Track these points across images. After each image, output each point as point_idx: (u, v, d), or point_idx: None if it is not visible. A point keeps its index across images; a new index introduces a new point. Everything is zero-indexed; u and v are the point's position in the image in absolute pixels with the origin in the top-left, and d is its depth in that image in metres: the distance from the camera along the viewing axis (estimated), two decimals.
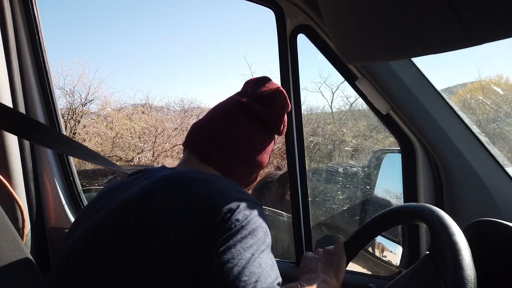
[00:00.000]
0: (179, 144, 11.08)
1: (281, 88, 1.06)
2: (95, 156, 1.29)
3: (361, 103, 10.83)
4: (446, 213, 0.79)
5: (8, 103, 1.21)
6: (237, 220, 0.71)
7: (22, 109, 1.25)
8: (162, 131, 11.20)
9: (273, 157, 9.44)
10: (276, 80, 1.26)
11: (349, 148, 8.15)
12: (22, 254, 1.02)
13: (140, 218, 0.74)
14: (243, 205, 0.75)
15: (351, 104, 10.71)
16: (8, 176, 1.22)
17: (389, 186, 1.62)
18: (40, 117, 1.33)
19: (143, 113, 12.10)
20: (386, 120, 1.28)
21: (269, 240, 0.75)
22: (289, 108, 1.08)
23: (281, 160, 9.28)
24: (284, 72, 1.32)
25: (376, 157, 1.71)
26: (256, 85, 1.05)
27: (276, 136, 1.10)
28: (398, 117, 1.23)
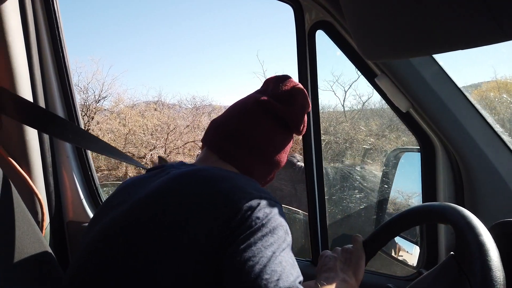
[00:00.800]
0: (191, 142, 11.15)
1: (302, 88, 1.04)
2: (112, 151, 1.30)
3: (373, 102, 10.74)
4: None
5: (29, 97, 1.23)
6: (258, 218, 0.71)
7: (42, 103, 1.27)
8: (174, 128, 11.29)
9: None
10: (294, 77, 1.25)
11: (367, 147, 8.09)
12: (42, 247, 1.03)
13: (160, 214, 0.74)
14: (263, 203, 0.74)
15: (364, 103, 10.64)
16: (28, 170, 1.23)
17: (406, 185, 1.60)
18: (60, 111, 1.34)
19: (155, 110, 12.20)
20: (405, 118, 1.26)
21: (289, 238, 0.74)
22: (309, 108, 1.06)
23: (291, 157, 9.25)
24: (302, 70, 1.31)
25: (394, 155, 1.69)
26: (277, 83, 1.03)
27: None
28: (419, 115, 1.21)
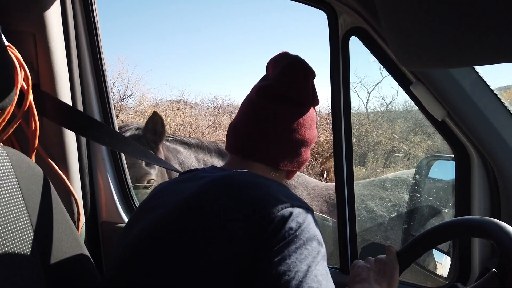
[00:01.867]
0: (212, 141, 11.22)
1: (299, 59, 1.00)
2: (146, 154, 1.33)
3: (397, 104, 10.56)
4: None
5: (68, 101, 1.27)
6: (291, 228, 0.70)
7: (80, 107, 1.31)
8: (196, 128, 11.40)
9: None
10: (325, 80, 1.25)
11: (398, 151, 7.95)
12: (78, 247, 1.06)
13: (192, 225, 0.74)
14: (296, 211, 0.73)
15: (387, 105, 10.46)
16: (66, 171, 1.27)
17: (439, 194, 1.57)
18: (96, 115, 1.38)
19: (178, 109, 12.35)
20: (440, 126, 1.23)
21: (323, 249, 0.73)
22: (313, 75, 1.01)
23: (313, 160, 9.20)
24: (335, 75, 1.30)
25: (426, 163, 1.66)
26: (274, 64, 1.01)
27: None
28: (454, 124, 1.19)
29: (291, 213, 0.72)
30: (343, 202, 1.38)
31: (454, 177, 1.30)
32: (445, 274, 1.40)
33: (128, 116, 11.55)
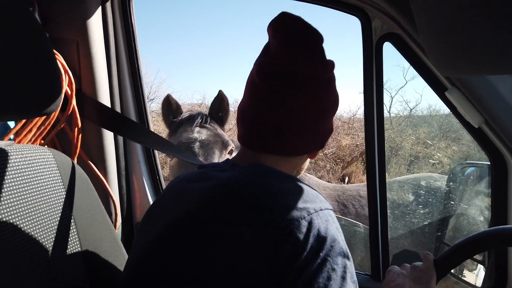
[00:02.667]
0: None
1: (299, 24, 0.81)
2: (180, 152, 1.38)
3: (421, 109, 10.38)
4: None
5: (107, 104, 1.32)
6: (312, 246, 0.64)
7: (118, 109, 1.36)
8: None
9: (326, 161, 9.32)
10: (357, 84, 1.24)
11: (433, 161, 7.82)
12: (117, 247, 1.09)
13: (201, 241, 0.68)
14: (316, 222, 0.67)
15: (411, 110, 10.30)
16: (105, 173, 1.32)
17: (474, 201, 1.54)
18: (132, 116, 1.43)
19: None
20: (476, 133, 1.21)
21: (349, 263, 0.67)
22: (321, 40, 0.82)
23: (334, 164, 9.13)
24: (368, 80, 1.31)
25: (459, 170, 1.63)
26: (274, 33, 0.81)
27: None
28: (491, 130, 1.17)
29: (310, 224, 0.66)
30: (375, 209, 1.38)
31: (489, 184, 1.28)
32: (479, 284, 1.37)
33: (152, 119, 11.74)
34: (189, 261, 0.68)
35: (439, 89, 1.21)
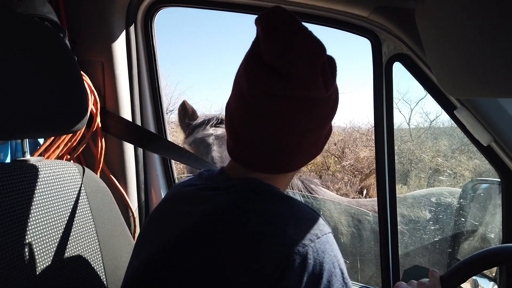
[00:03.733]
0: None
1: (293, 32, 0.67)
2: (199, 161, 1.45)
3: (442, 120, 10.22)
4: None
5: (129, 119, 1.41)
6: (309, 279, 0.61)
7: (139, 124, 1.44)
8: None
9: (344, 173, 9.26)
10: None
11: (444, 170, 7.70)
12: None
13: (182, 272, 0.65)
14: (311, 254, 0.62)
15: (431, 122, 10.16)
16: (125, 186, 1.39)
17: (485, 218, 1.54)
18: (152, 130, 1.51)
19: None
20: (486, 151, 1.23)
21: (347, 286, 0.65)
22: (322, 53, 0.69)
23: (352, 177, 9.05)
24: (378, 100, 1.34)
25: (471, 187, 1.64)
26: (265, 36, 0.68)
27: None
28: (500, 149, 1.19)
29: (305, 261, 0.61)
30: (386, 224, 1.40)
31: (500, 202, 1.29)
32: None
33: (171, 130, 11.94)
34: None
35: (449, 108, 1.24)
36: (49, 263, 0.89)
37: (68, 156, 1.28)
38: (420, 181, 7.95)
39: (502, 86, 0.84)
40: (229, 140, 0.78)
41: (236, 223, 0.66)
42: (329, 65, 0.72)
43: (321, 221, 0.69)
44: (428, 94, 1.28)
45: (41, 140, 1.24)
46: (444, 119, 10.06)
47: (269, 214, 0.66)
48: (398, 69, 1.33)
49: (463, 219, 1.65)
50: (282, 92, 0.66)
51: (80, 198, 1.02)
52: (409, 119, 10.54)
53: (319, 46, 0.69)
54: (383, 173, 1.39)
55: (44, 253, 0.88)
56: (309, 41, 0.68)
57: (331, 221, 2.84)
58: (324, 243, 0.65)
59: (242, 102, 0.71)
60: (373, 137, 10.05)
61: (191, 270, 0.64)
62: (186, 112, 2.19)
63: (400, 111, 10.32)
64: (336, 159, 9.65)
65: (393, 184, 1.40)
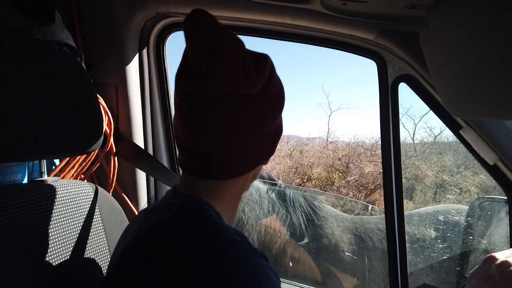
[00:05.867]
0: None
1: (215, 25, 0.66)
2: None
3: (446, 136, 10.21)
4: None
5: (140, 142, 1.43)
6: None
7: (150, 149, 1.47)
8: None
9: (348, 188, 9.22)
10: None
11: (449, 186, 7.65)
12: None
13: None
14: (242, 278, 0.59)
15: (436, 137, 10.15)
16: (137, 204, 1.42)
17: (492, 236, 1.54)
18: (164, 156, 1.54)
19: None
20: (492, 169, 1.25)
21: None
22: (240, 47, 0.67)
23: (357, 192, 9.01)
24: (385, 120, 1.37)
25: (478, 204, 1.65)
26: (187, 41, 0.67)
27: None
28: (507, 168, 1.20)
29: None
30: (394, 239, 1.41)
31: (508, 220, 1.30)
32: None
33: None
34: None
35: (454, 128, 1.26)
36: (65, 281, 0.91)
37: (82, 176, 1.31)
38: (426, 196, 7.91)
39: (505, 108, 0.86)
40: (178, 151, 0.75)
41: (159, 258, 0.61)
42: (254, 61, 0.69)
43: (246, 254, 0.63)
44: (435, 114, 1.31)
45: (56, 161, 1.27)
46: (448, 133, 10.04)
47: (193, 255, 0.60)
48: (403, 86, 1.36)
49: (471, 237, 1.65)
50: (202, 92, 0.65)
51: (94, 217, 1.05)
52: (414, 134, 10.53)
53: (235, 42, 0.66)
54: (391, 190, 1.40)
55: (60, 272, 0.90)
56: (224, 38, 0.65)
57: (333, 238, 2.83)
58: (257, 271, 0.61)
59: (177, 109, 0.71)
60: (377, 152, 10.05)
61: None
62: None
63: (404, 126, 10.32)
64: (340, 174, 9.63)
65: (400, 201, 1.41)
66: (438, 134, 9.92)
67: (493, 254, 0.80)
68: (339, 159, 9.67)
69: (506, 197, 1.30)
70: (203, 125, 0.67)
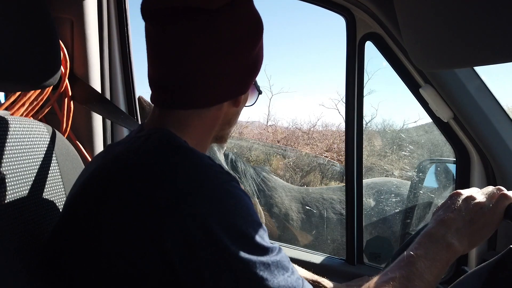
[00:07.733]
0: None
1: None
2: None
3: (375, 123, 10.88)
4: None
5: (98, 87, 1.32)
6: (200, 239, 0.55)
7: (107, 94, 1.36)
8: None
9: (285, 170, 9.50)
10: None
11: (377, 168, 8.16)
12: None
13: (83, 228, 0.63)
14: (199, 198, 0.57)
15: (367, 123, 10.77)
16: (92, 153, 1.31)
17: (439, 193, 1.68)
18: (121, 103, 1.43)
19: None
20: (444, 128, 1.34)
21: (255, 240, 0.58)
22: None
23: (293, 173, 9.34)
24: (350, 79, 1.40)
25: (426, 165, 1.78)
26: None
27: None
28: (458, 126, 1.30)
29: (191, 219, 0.55)
30: (352, 199, 1.46)
31: (453, 178, 1.41)
32: None
33: None
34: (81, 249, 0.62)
35: (414, 87, 1.33)
36: (18, 223, 0.81)
37: (31, 118, 1.17)
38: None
39: (476, 54, 0.91)
40: (150, 87, 0.74)
41: (122, 178, 0.61)
42: None
43: (218, 170, 0.62)
44: (396, 73, 1.36)
45: (2, 99, 1.13)
46: (377, 121, 10.72)
47: (158, 170, 0.60)
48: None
49: (417, 194, 1.78)
50: (160, 5, 0.64)
51: (51, 160, 0.95)
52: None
53: None
54: (352, 150, 1.45)
55: (12, 212, 0.80)
56: None
57: (283, 206, 2.93)
58: (232, 191, 0.61)
59: (146, 38, 0.70)
60: (314, 135, 10.41)
61: (90, 223, 0.61)
62: (143, 111, 2.10)
63: (339, 112, 10.80)
64: (278, 156, 9.87)
65: (360, 163, 1.47)
66: (369, 122, 10.55)
67: (458, 190, 0.82)
68: (278, 142, 9.90)
69: (453, 159, 1.40)
70: (166, 47, 0.66)
